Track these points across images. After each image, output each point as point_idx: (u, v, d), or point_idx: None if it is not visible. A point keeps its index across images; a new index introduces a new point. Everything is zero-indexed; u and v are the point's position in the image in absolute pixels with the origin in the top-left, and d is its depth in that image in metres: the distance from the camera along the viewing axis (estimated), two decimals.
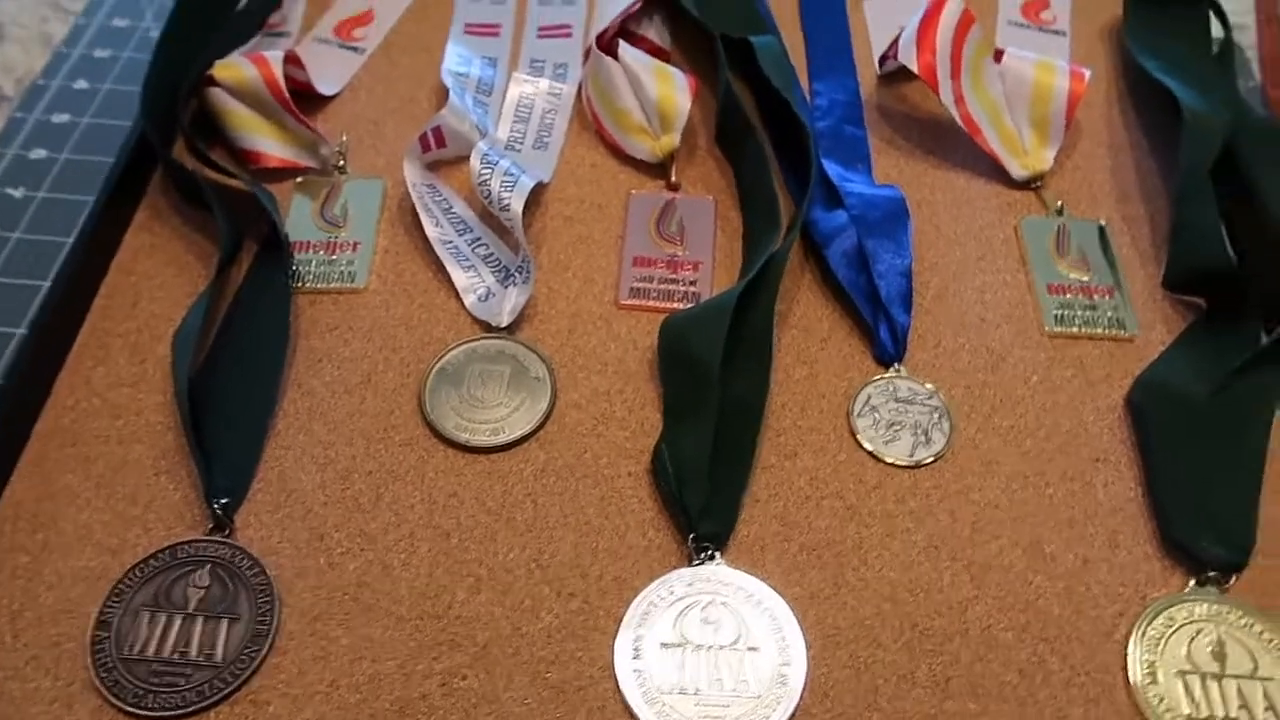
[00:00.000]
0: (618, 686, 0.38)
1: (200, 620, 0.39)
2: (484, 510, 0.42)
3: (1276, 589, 0.40)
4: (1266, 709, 0.37)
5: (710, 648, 0.39)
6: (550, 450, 0.44)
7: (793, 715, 0.37)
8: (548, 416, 0.45)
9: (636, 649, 0.38)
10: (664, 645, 0.39)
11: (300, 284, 0.49)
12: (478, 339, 0.47)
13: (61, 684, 0.37)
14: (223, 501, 0.41)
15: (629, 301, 0.49)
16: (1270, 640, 0.39)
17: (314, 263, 0.50)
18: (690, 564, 0.41)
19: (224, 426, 0.43)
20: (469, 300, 0.48)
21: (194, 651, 0.38)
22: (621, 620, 0.39)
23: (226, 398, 0.44)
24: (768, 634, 0.39)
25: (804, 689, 0.38)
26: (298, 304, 0.48)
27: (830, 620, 0.40)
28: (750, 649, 0.39)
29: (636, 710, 0.37)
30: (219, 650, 0.38)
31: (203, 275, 0.50)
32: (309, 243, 0.50)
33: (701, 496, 0.41)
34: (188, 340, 0.45)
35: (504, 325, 0.47)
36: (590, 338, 0.48)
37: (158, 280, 0.49)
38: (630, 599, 0.40)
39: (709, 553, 0.41)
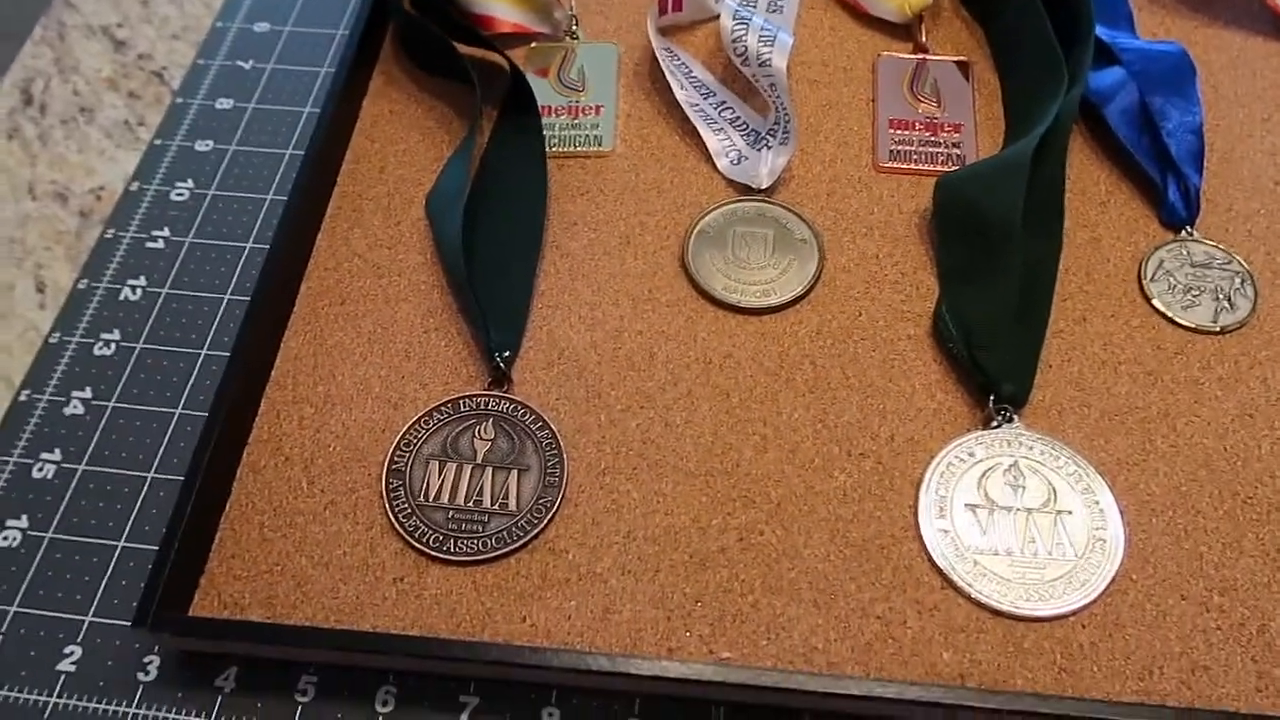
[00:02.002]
0: (924, 545, 0.36)
1: (490, 470, 0.38)
2: (762, 371, 0.41)
3: None
4: None
5: (1018, 510, 0.37)
6: (824, 313, 0.42)
7: (1113, 579, 0.35)
8: (817, 279, 0.43)
9: (941, 509, 0.37)
10: (968, 506, 0.37)
11: (546, 148, 0.47)
12: (736, 201, 0.45)
13: (361, 528, 0.38)
14: (504, 355, 0.40)
15: (889, 165, 0.46)
16: None
17: (557, 126, 0.48)
18: (987, 426, 0.39)
19: (493, 285, 0.42)
20: (722, 163, 0.47)
21: (488, 500, 0.38)
22: (920, 481, 0.38)
23: (491, 257, 0.43)
24: (1078, 498, 0.37)
25: (1124, 554, 0.36)
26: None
27: (1143, 486, 0.38)
28: (1062, 512, 0.37)
29: (948, 568, 0.36)
30: (513, 499, 0.38)
31: (445, 140, 0.49)
32: (551, 107, 0.49)
33: (1001, 357, 0.39)
34: (448, 201, 0.44)
35: (763, 187, 0.45)
36: (851, 201, 0.46)
37: (401, 146, 0.49)
38: (926, 460, 0.38)
39: (1007, 415, 0.39)
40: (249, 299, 0.42)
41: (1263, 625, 0.35)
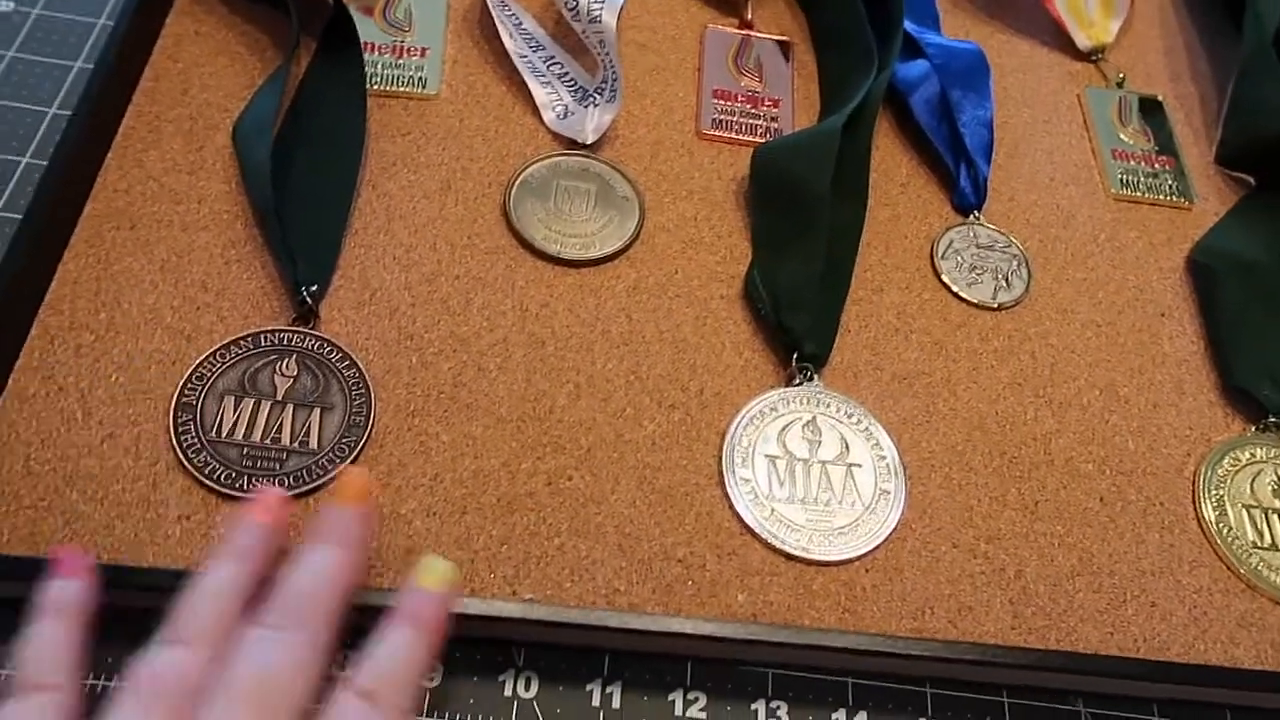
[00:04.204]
0: (725, 492, 0.38)
1: (291, 408, 0.37)
2: (578, 321, 0.41)
3: None
4: None
5: (813, 462, 0.39)
6: (641, 269, 0.43)
7: (895, 528, 0.38)
8: (636, 236, 0.44)
9: (743, 459, 0.38)
10: (768, 457, 0.39)
11: (368, 85, 0.46)
12: (560, 154, 0.45)
13: (144, 463, 0.35)
14: (311, 290, 0.39)
15: (711, 132, 0.48)
16: None
17: (380, 64, 0.47)
18: (790, 384, 0.41)
19: (301, 218, 0.40)
20: (548, 116, 0.46)
21: (287, 438, 0.36)
22: (725, 432, 0.39)
23: (301, 189, 0.41)
24: (867, 453, 0.39)
25: (905, 505, 0.39)
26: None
27: (924, 444, 0.40)
28: (853, 465, 0.39)
29: (745, 514, 0.37)
30: (314, 438, 0.36)
31: (257, 67, 0.46)
32: (374, 44, 0.47)
33: (805, 319, 0.41)
34: (258, 129, 0.42)
35: (588, 143, 0.45)
36: (673, 164, 0.47)
37: (208, 69, 0.46)
38: (731, 413, 0.40)
39: (808, 374, 0.41)
40: (21, 217, 0.38)
41: (1019, 570, 0.38)
